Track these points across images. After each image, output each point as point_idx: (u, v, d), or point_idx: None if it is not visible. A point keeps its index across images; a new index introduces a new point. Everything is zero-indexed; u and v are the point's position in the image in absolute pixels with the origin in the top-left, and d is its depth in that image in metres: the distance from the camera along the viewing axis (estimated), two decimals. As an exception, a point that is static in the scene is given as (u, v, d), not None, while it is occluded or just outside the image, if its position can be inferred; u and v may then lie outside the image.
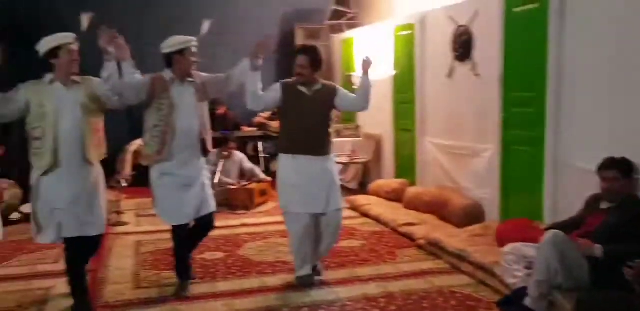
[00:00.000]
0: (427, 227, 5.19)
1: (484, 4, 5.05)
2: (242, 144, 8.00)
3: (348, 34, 8.16)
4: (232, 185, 6.68)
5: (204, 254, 4.74)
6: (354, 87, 6.02)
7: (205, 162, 4.02)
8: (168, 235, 4.03)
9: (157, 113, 3.73)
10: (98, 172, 3.65)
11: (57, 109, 3.42)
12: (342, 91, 4.09)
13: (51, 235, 3.51)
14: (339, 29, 8.49)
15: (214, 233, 4.19)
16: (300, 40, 8.65)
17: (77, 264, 3.64)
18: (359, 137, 7.56)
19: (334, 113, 4.26)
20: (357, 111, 5.51)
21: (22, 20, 7.58)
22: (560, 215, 4.05)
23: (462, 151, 5.51)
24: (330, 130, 4.13)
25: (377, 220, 5.81)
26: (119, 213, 6.04)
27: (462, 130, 5.50)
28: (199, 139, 3.83)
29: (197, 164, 3.88)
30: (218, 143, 6.34)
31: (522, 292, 3.30)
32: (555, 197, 4.31)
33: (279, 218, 4.25)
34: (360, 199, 6.44)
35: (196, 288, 3.99)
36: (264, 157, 8.15)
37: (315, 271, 4.12)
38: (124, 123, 7.32)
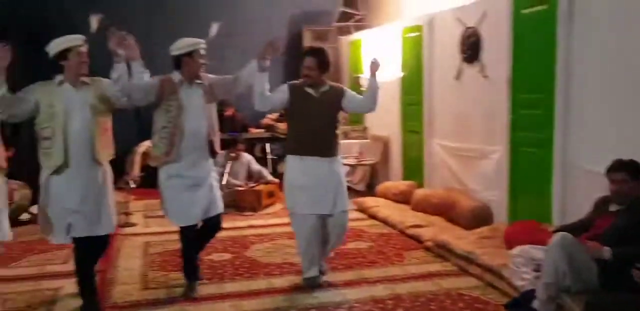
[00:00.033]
0: (435, 229, 5.18)
1: (492, 6, 5.04)
2: (250, 146, 8.02)
3: (356, 35, 8.17)
4: (240, 186, 6.70)
5: (212, 255, 4.75)
6: (361, 88, 6.02)
7: (213, 163, 4.04)
8: (176, 236, 4.04)
9: (165, 114, 3.75)
10: (107, 171, 3.67)
11: (66, 110, 3.45)
12: (350, 92, 4.09)
13: (61, 234, 3.54)
14: (346, 31, 8.49)
15: (221, 234, 4.21)
16: (307, 42, 8.66)
17: (86, 264, 3.66)
18: (366, 138, 7.56)
19: (342, 115, 4.26)
20: (364, 112, 5.51)
21: (31, 21, 7.63)
22: (568, 217, 4.04)
23: (470, 153, 5.49)
24: (338, 131, 4.13)
25: (384, 221, 5.80)
26: (127, 214, 6.06)
27: (470, 132, 5.49)
28: (207, 140, 3.85)
29: (205, 165, 3.90)
30: (226, 144, 6.35)
31: (530, 295, 3.29)
32: (564, 199, 4.29)
33: (287, 220, 4.25)
34: (368, 201, 6.43)
35: (204, 289, 4.00)
36: (272, 159, 8.16)
37: (320, 270, 4.13)
38: (132, 124, 7.36)
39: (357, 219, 5.94)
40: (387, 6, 7.84)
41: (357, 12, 8.40)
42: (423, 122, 6.29)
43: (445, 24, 5.76)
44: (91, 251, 3.66)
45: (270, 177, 7.02)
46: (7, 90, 3.35)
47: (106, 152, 3.63)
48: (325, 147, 4.01)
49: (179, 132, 3.73)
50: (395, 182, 6.76)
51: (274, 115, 8.35)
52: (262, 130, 8.46)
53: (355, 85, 7.25)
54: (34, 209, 5.62)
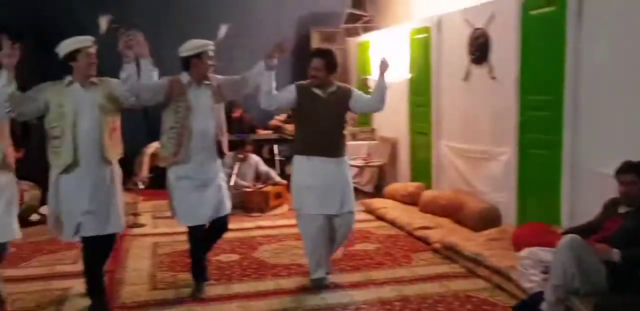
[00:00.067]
0: (443, 231, 5.16)
1: (500, 7, 5.03)
2: (258, 147, 8.03)
3: (364, 37, 8.17)
4: (248, 187, 6.71)
5: (220, 256, 4.76)
6: (369, 90, 6.02)
7: (221, 164, 4.05)
8: (184, 237, 4.06)
9: (173, 115, 3.77)
10: (116, 171, 3.69)
11: (75, 110, 3.47)
12: (357, 92, 4.10)
13: (70, 233, 3.56)
14: (354, 32, 8.49)
15: (229, 235, 4.21)
16: (315, 43, 8.67)
17: (94, 264, 3.68)
18: (374, 140, 7.55)
19: (349, 116, 4.27)
20: (372, 112, 5.49)
21: (40, 22, 7.69)
22: (577, 219, 4.01)
23: (478, 154, 5.48)
24: (345, 132, 4.14)
25: (392, 223, 5.79)
26: (136, 215, 6.09)
27: (479, 134, 5.48)
28: (215, 141, 3.86)
29: (213, 166, 3.91)
30: (234, 146, 6.36)
31: (538, 297, 3.28)
32: (573, 201, 4.27)
33: (294, 221, 4.26)
34: (376, 202, 6.43)
35: (212, 290, 4.01)
36: (280, 160, 8.17)
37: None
38: (141, 126, 7.39)
39: (365, 220, 5.94)
40: (395, 8, 7.84)
41: (365, 14, 8.39)
42: (431, 124, 6.28)
43: (454, 25, 5.75)
44: (99, 250, 3.67)
45: (277, 178, 7.03)
46: (16, 88, 3.37)
47: (115, 151, 3.65)
48: (333, 147, 4.02)
49: (187, 132, 3.75)
50: (403, 184, 6.75)
51: (282, 117, 8.37)
52: (270, 132, 8.47)
53: (363, 86, 7.25)
54: (44, 210, 5.66)
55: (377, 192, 7.06)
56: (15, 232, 3.59)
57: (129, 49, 3.51)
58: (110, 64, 3.68)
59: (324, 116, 3.97)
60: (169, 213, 4.06)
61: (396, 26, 7.20)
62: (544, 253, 3.44)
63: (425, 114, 6.38)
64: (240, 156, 6.82)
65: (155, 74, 3.68)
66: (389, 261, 4.67)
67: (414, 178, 6.76)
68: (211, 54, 3.81)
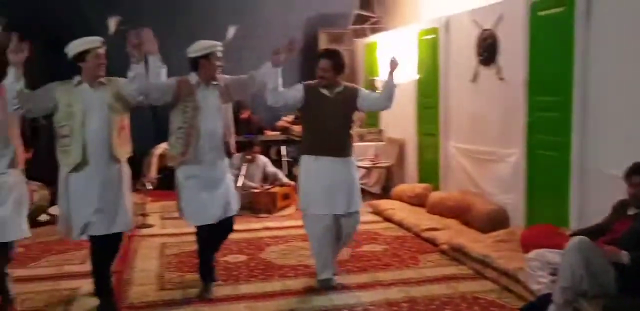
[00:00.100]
0: (451, 232, 5.15)
1: (508, 8, 5.02)
2: (266, 148, 8.04)
3: (372, 38, 8.17)
4: (255, 188, 6.72)
5: (227, 257, 4.77)
6: (377, 91, 6.01)
7: (228, 164, 4.06)
8: (192, 238, 4.07)
9: (181, 115, 3.78)
10: (125, 170, 3.70)
11: (84, 110, 3.49)
12: (364, 91, 4.13)
13: (78, 231, 3.58)
14: (362, 33, 8.49)
15: (236, 236, 4.23)
16: (323, 44, 8.68)
17: (102, 263, 3.69)
18: (382, 141, 7.55)
19: (357, 116, 4.28)
20: (379, 110, 5.47)
21: (50, 23, 7.74)
22: (586, 221, 3.99)
23: (486, 156, 5.46)
24: (352, 132, 4.15)
25: (400, 224, 5.78)
26: (144, 215, 6.11)
27: (487, 135, 5.46)
28: (223, 141, 3.88)
29: (221, 166, 3.92)
30: (242, 147, 6.38)
31: (546, 299, 3.26)
32: (581, 202, 4.25)
33: (301, 222, 4.26)
34: (383, 203, 6.42)
35: (219, 291, 4.01)
36: (287, 161, 8.18)
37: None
38: (149, 126, 7.43)
39: (372, 222, 5.93)
40: (403, 8, 7.83)
41: (372, 15, 8.39)
42: (439, 125, 6.27)
43: (462, 26, 5.74)
44: (107, 249, 3.69)
45: (285, 179, 7.04)
46: (25, 85, 3.39)
47: (124, 149, 3.66)
48: (340, 147, 4.03)
49: (195, 132, 3.76)
50: (411, 185, 6.74)
51: (290, 118, 8.38)
52: (278, 133, 8.48)
53: (371, 87, 7.24)
54: (53, 210, 5.70)
55: (385, 193, 7.05)
56: (25, 232, 3.60)
57: (137, 48, 3.52)
58: (119, 65, 3.70)
59: (330, 116, 3.98)
60: (177, 214, 4.08)
61: (404, 27, 7.20)
62: (552, 255, 3.43)
63: (433, 115, 6.37)
64: (248, 157, 6.83)
65: (164, 71, 3.69)
66: (396, 262, 4.66)
67: (421, 180, 6.75)
68: (219, 54, 3.82)
